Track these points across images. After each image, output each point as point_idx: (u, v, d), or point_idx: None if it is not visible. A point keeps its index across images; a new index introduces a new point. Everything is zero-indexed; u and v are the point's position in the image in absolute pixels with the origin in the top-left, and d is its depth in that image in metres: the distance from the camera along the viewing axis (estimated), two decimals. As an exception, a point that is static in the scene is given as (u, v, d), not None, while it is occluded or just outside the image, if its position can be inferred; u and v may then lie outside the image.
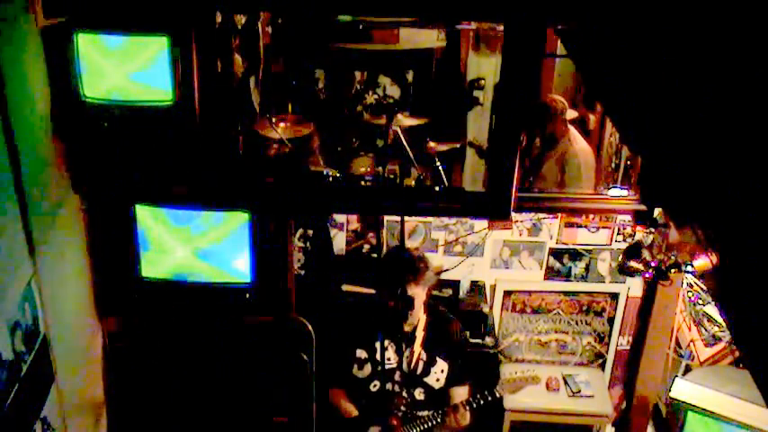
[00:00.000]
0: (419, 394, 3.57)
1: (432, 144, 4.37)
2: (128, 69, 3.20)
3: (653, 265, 3.30)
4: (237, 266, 3.57)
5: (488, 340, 4.29)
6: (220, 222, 3.52)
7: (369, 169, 4.36)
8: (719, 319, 3.85)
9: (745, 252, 1.44)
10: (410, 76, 5.41)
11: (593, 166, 4.57)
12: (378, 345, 3.49)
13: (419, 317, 3.54)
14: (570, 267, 4.52)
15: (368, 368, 3.55)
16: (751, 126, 1.43)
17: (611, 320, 4.64)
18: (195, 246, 3.55)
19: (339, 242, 4.46)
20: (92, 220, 3.55)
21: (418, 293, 3.44)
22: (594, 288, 4.57)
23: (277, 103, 4.65)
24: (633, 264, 3.35)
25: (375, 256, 4.43)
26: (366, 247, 4.48)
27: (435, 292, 4.36)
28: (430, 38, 5.34)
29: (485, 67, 5.33)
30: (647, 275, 3.35)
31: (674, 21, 1.87)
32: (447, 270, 4.50)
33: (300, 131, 4.06)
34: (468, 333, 4.22)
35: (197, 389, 3.84)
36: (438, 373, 3.57)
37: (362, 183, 4.05)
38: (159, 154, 3.33)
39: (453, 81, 5.38)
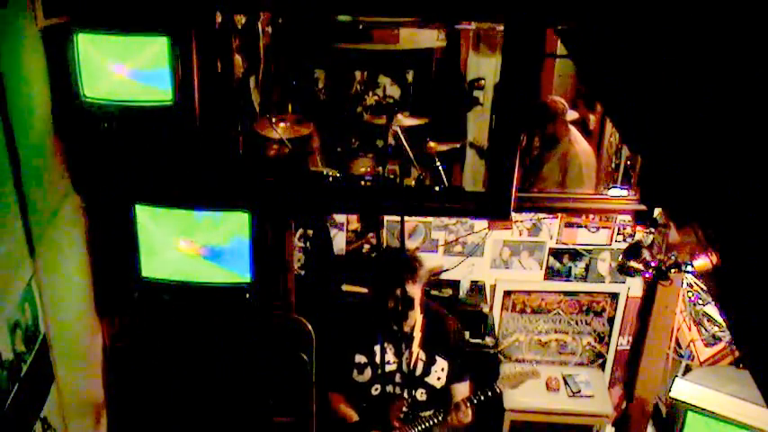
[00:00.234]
0: (421, 395, 3.57)
1: (432, 144, 4.37)
2: (127, 69, 3.20)
3: (653, 265, 3.30)
4: (237, 266, 3.57)
5: (488, 340, 4.29)
6: (220, 222, 3.52)
7: (369, 169, 4.36)
8: (719, 319, 3.85)
9: (745, 252, 1.44)
10: (410, 76, 5.41)
11: (595, 167, 4.58)
12: (377, 348, 3.49)
13: (416, 317, 3.54)
14: (570, 267, 4.52)
15: (368, 372, 3.54)
16: (751, 126, 1.43)
17: (611, 320, 4.64)
18: (195, 246, 3.55)
19: (339, 242, 4.46)
20: (92, 220, 3.55)
21: (415, 292, 3.44)
22: (594, 288, 4.57)
23: (277, 103, 4.65)
24: (633, 264, 3.35)
25: (374, 255, 4.44)
26: (366, 247, 4.48)
27: (435, 292, 4.37)
28: (430, 38, 5.34)
29: (485, 67, 5.33)
30: (647, 275, 3.35)
31: (673, 21, 1.87)
32: (447, 270, 4.50)
33: (300, 131, 4.06)
34: (467, 333, 4.23)
35: (197, 389, 3.84)
36: (439, 372, 3.57)
37: (362, 183, 4.05)
38: (159, 154, 3.34)
39: (453, 81, 5.38)
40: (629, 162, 4.39)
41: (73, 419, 3.25)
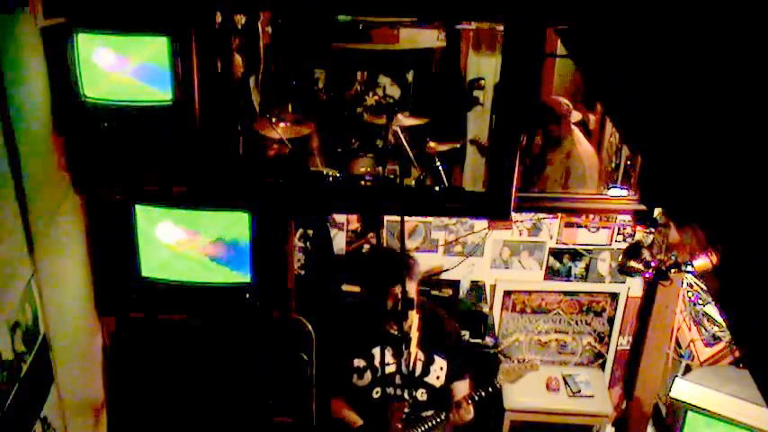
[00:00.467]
0: (421, 395, 3.57)
1: (432, 144, 4.37)
2: (127, 69, 3.20)
3: (653, 265, 3.30)
4: (237, 266, 3.57)
5: (488, 340, 4.29)
6: (220, 222, 3.52)
7: (369, 169, 4.36)
8: (719, 319, 3.85)
9: (745, 252, 1.45)
10: (410, 76, 5.41)
11: (598, 168, 4.57)
12: (376, 351, 3.49)
13: (413, 316, 3.54)
14: (570, 267, 4.52)
15: (368, 376, 3.54)
16: (751, 126, 1.43)
17: (611, 320, 4.64)
18: (195, 246, 3.55)
19: (339, 242, 4.46)
20: (92, 220, 3.55)
21: (412, 291, 3.44)
22: (594, 288, 4.57)
23: (277, 103, 4.65)
24: (633, 264, 3.35)
25: (367, 254, 4.44)
26: (366, 247, 4.48)
27: (435, 292, 4.37)
28: (430, 38, 5.33)
29: (485, 67, 5.32)
30: (647, 275, 3.35)
31: (673, 21, 1.87)
32: (447, 270, 4.50)
33: (300, 131, 4.05)
34: (467, 333, 4.23)
35: (197, 389, 3.84)
36: (438, 371, 3.57)
37: (362, 183, 4.04)
38: (159, 154, 3.34)
39: (453, 81, 5.37)
40: (629, 162, 4.38)
41: (73, 419, 3.25)
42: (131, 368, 3.84)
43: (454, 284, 4.46)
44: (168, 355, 3.82)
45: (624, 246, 4.13)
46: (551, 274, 4.54)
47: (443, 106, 5.24)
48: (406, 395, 3.54)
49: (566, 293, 4.59)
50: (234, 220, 3.50)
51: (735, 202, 1.48)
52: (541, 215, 4.34)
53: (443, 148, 4.42)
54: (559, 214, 4.33)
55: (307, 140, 4.25)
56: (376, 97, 5.43)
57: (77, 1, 3.09)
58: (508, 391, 4.33)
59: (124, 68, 3.19)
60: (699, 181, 1.66)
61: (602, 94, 3.28)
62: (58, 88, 3.11)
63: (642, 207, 3.68)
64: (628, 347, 4.68)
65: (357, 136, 5.26)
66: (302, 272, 4.38)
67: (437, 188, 3.98)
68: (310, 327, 3.82)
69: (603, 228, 4.43)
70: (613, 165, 4.69)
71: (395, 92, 5.43)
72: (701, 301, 4.04)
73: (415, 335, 3.54)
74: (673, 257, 3.33)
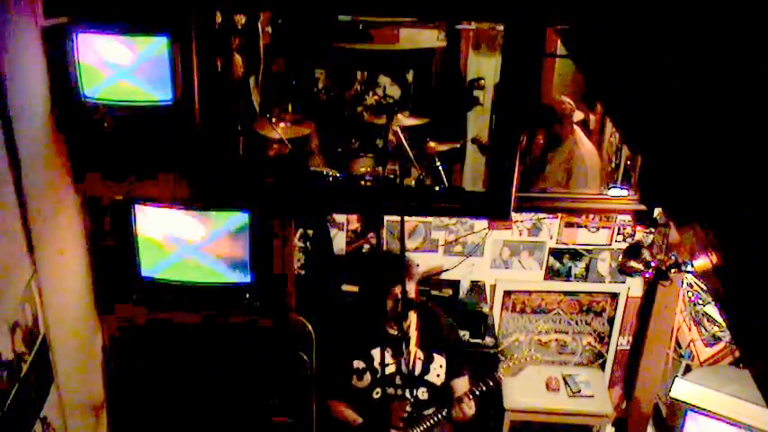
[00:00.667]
0: (422, 394, 3.57)
1: (432, 144, 4.36)
2: (128, 69, 3.20)
3: (653, 265, 3.31)
4: (237, 266, 3.57)
5: (488, 340, 4.29)
6: (220, 222, 3.52)
7: (369, 169, 4.35)
8: (719, 319, 3.85)
9: (745, 252, 1.44)
10: (410, 76, 5.40)
11: (599, 168, 4.57)
12: (375, 352, 3.49)
13: (412, 316, 3.55)
14: (570, 267, 4.52)
15: (368, 377, 3.54)
16: (751, 126, 1.43)
17: (611, 320, 4.64)
18: (195, 246, 3.55)
19: (339, 242, 4.46)
20: (92, 220, 3.55)
21: (412, 291, 3.45)
22: (594, 288, 4.57)
23: (277, 103, 4.64)
24: (633, 264, 3.35)
25: (365, 255, 4.44)
26: (366, 247, 4.48)
27: (435, 292, 4.36)
28: (430, 38, 5.33)
29: (485, 67, 5.32)
30: (647, 275, 3.35)
31: (673, 21, 1.87)
32: (447, 270, 4.50)
33: (300, 131, 4.05)
34: (467, 333, 4.23)
35: (197, 389, 3.84)
36: (437, 369, 3.57)
37: (362, 183, 4.04)
38: (159, 154, 3.33)
39: (453, 81, 5.37)
40: (629, 162, 4.38)
41: (73, 419, 3.25)
42: (131, 368, 3.84)
43: (454, 284, 4.46)
44: (168, 355, 3.82)
45: (624, 246, 4.12)
46: (551, 274, 4.54)
47: (443, 106, 5.24)
48: (407, 394, 3.54)
49: (566, 293, 4.59)
50: (234, 220, 3.51)
51: (735, 202, 1.48)
52: (541, 215, 4.34)
53: (443, 148, 4.41)
54: (559, 214, 4.33)
55: (307, 140, 4.25)
56: (376, 97, 5.42)
57: (77, 1, 3.09)
58: (508, 391, 4.33)
59: (124, 68, 3.19)
60: (699, 181, 1.66)
61: (602, 94, 3.27)
62: (58, 88, 3.11)
63: (642, 207, 3.68)
64: (628, 347, 4.68)
65: (357, 136, 5.26)
66: (302, 272, 4.38)
67: (437, 188, 3.98)
68: (310, 327, 3.82)
69: (603, 228, 4.43)
70: (613, 165, 4.69)
71: (395, 92, 5.43)
72: (701, 301, 4.04)
73: (414, 334, 3.54)
74: (673, 257, 3.34)
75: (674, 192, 1.86)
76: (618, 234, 4.45)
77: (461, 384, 3.61)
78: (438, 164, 4.35)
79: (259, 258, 3.57)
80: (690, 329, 4.15)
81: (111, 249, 3.62)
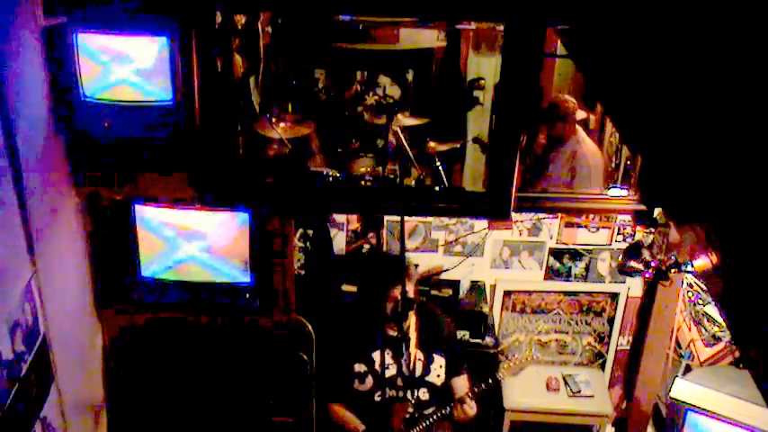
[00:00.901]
0: (423, 394, 3.57)
1: (432, 144, 4.36)
2: (127, 69, 3.20)
3: (653, 265, 3.30)
4: (237, 266, 3.57)
5: (488, 340, 4.29)
6: (220, 222, 3.53)
7: (369, 169, 4.35)
8: (719, 319, 3.85)
9: (745, 252, 1.44)
10: (410, 76, 5.40)
11: (602, 168, 4.56)
12: (376, 354, 3.49)
13: (411, 317, 3.55)
14: (570, 267, 4.52)
15: (369, 380, 3.54)
16: (751, 126, 1.43)
17: (611, 320, 4.64)
18: (195, 246, 3.55)
19: (339, 242, 4.46)
20: (92, 219, 3.55)
21: (411, 292, 3.45)
22: (594, 288, 4.57)
23: (277, 103, 4.64)
24: (633, 264, 3.35)
25: (364, 256, 4.44)
26: (366, 247, 4.48)
27: (435, 292, 4.36)
28: (430, 38, 5.33)
29: (485, 67, 5.32)
30: (647, 275, 3.35)
31: (673, 21, 1.87)
32: (447, 270, 4.50)
33: (300, 131, 4.05)
34: (468, 333, 4.23)
35: (197, 389, 3.84)
36: (438, 369, 3.57)
37: (362, 183, 4.04)
38: (159, 154, 3.33)
39: (453, 81, 5.37)
40: (629, 162, 4.38)
41: (73, 419, 3.25)
42: (131, 368, 3.84)
43: (454, 284, 4.46)
44: (168, 354, 3.82)
45: (624, 246, 4.13)
46: (551, 274, 4.55)
47: (443, 106, 5.24)
48: (408, 396, 3.54)
49: (566, 293, 4.59)
50: (234, 220, 3.51)
51: (735, 202, 1.48)
52: (541, 215, 4.34)
53: (443, 148, 4.41)
54: (559, 214, 4.33)
55: (307, 140, 4.25)
56: (376, 97, 5.42)
57: (77, 1, 3.09)
58: (508, 391, 4.33)
59: (124, 68, 3.19)
60: (699, 181, 1.66)
61: (602, 94, 3.27)
62: (58, 88, 3.11)
63: (642, 207, 3.68)
64: (628, 347, 4.68)
65: (357, 136, 5.25)
66: (302, 272, 4.38)
67: (437, 188, 3.98)
68: (310, 327, 3.82)
69: (603, 228, 4.43)
70: (613, 165, 4.69)
71: (395, 92, 5.43)
72: (701, 301, 4.04)
73: (413, 335, 3.54)
74: (673, 257, 3.33)
75: (674, 192, 1.86)
76: (618, 234, 4.45)
77: (461, 384, 3.61)
78: (438, 164, 4.35)
79: (259, 258, 3.57)
80: (690, 329, 4.15)
81: (111, 249, 3.62)
